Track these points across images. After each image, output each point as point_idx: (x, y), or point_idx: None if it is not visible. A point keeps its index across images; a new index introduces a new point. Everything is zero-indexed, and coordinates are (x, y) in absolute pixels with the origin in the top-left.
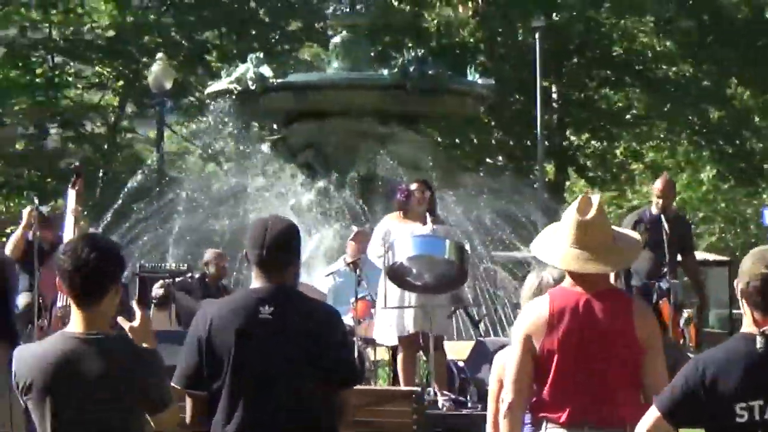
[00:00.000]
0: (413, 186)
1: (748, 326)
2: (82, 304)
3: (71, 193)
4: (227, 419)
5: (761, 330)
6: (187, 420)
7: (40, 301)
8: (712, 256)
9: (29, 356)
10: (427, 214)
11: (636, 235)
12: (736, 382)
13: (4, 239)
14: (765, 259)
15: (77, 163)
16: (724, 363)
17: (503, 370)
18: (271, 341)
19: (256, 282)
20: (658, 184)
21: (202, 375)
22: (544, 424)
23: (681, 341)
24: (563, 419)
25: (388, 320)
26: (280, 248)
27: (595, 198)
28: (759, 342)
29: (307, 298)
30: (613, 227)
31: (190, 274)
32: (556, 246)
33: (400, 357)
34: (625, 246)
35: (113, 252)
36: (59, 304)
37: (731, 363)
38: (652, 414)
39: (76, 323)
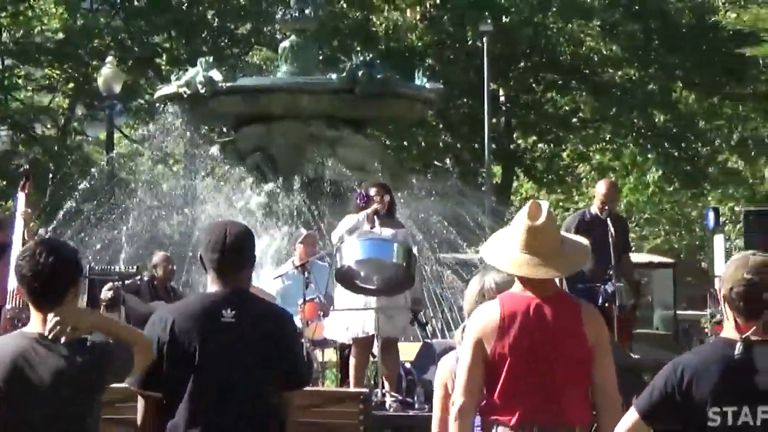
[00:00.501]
0: (372, 191)
1: (729, 331)
2: (41, 307)
3: (21, 196)
4: (188, 423)
5: (742, 336)
6: (138, 422)
7: None
8: (657, 258)
9: None
10: (375, 218)
11: (584, 240)
12: (711, 386)
13: None
14: (747, 265)
15: (27, 166)
16: (702, 367)
17: (448, 376)
18: (233, 345)
19: (213, 286)
20: (603, 188)
21: (160, 375)
22: (495, 427)
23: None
24: (513, 422)
25: (344, 320)
26: (236, 252)
27: (545, 204)
28: (738, 348)
29: (260, 300)
30: (562, 232)
31: (139, 277)
32: (506, 251)
33: (353, 358)
34: (573, 251)
35: (70, 256)
36: (8, 306)
37: (709, 367)
38: (631, 416)
39: (35, 324)
